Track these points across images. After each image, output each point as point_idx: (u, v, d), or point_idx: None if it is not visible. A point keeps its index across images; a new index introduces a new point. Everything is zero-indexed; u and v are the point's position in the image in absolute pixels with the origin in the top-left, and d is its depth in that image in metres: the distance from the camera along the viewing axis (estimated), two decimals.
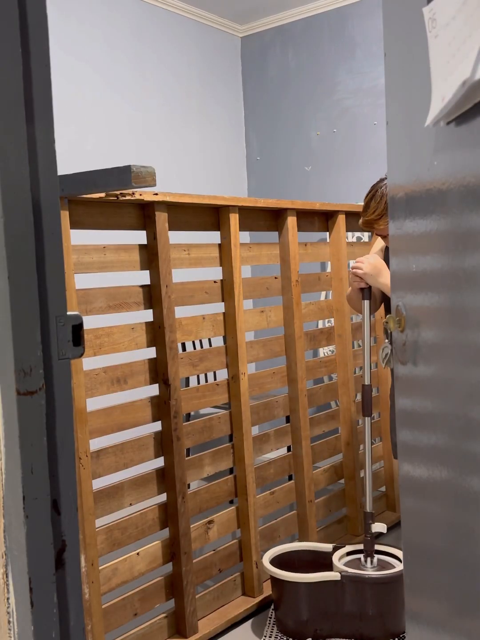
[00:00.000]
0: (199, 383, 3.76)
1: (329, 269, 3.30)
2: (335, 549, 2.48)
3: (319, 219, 2.92)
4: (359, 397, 3.37)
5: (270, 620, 2.43)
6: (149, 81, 3.95)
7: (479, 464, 0.87)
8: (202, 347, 3.77)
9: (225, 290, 2.45)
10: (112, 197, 1.95)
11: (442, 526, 1.06)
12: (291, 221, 2.67)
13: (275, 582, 2.33)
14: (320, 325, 3.90)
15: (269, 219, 2.67)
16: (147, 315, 2.23)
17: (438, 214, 0.97)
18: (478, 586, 0.90)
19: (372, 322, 3.25)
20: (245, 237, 4.41)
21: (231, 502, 2.70)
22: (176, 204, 2.23)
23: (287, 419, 2.80)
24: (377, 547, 2.50)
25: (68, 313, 0.82)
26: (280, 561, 2.47)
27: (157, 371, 2.21)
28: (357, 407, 3.08)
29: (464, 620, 0.97)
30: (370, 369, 2.39)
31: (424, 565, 1.17)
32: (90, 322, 2.37)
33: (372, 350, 3.25)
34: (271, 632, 2.35)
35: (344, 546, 2.49)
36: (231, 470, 2.62)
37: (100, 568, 2.01)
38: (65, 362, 0.82)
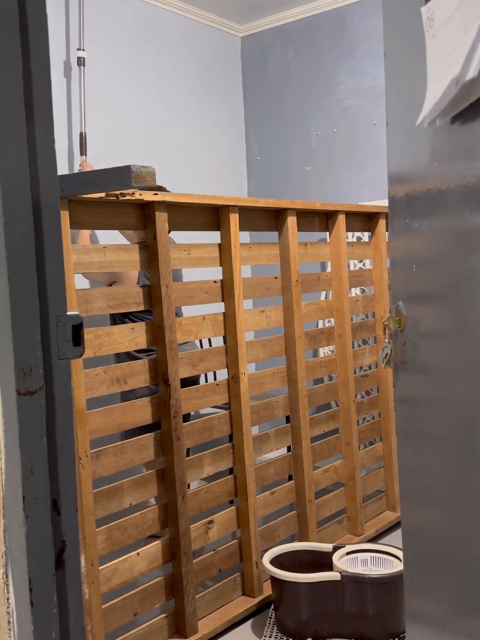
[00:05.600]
0: (199, 383, 3.76)
1: (329, 269, 3.30)
2: (335, 549, 2.48)
3: (319, 219, 2.92)
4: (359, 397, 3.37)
5: (270, 620, 2.43)
6: (149, 81, 3.95)
7: (479, 464, 0.87)
8: (201, 347, 3.77)
9: (225, 290, 2.45)
10: (112, 197, 1.95)
11: (442, 526, 1.06)
12: (291, 221, 2.67)
13: (275, 582, 2.33)
14: (320, 325, 3.90)
15: (269, 219, 2.67)
16: (147, 315, 2.23)
17: (438, 214, 0.97)
18: (478, 586, 0.90)
19: (371, 322, 3.25)
20: (245, 237, 4.41)
21: (231, 502, 2.70)
22: (176, 204, 2.23)
23: (287, 419, 2.80)
24: (377, 547, 2.51)
25: (68, 313, 0.82)
26: (281, 561, 2.47)
27: (157, 371, 2.21)
28: (357, 407, 3.08)
29: (464, 620, 0.97)
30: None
31: (424, 565, 1.17)
32: (90, 322, 2.37)
33: (372, 350, 3.25)
34: (271, 632, 2.35)
35: (344, 546, 2.49)
36: (231, 471, 2.62)
37: (100, 568, 2.01)
38: (65, 362, 0.82)
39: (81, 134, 3.46)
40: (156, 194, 2.10)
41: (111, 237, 2.85)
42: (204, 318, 2.38)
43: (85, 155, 3.46)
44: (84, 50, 3.44)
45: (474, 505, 0.89)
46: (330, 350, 3.82)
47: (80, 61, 3.43)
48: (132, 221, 2.14)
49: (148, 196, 2.07)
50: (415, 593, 1.22)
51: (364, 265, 3.86)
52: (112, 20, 3.71)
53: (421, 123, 0.95)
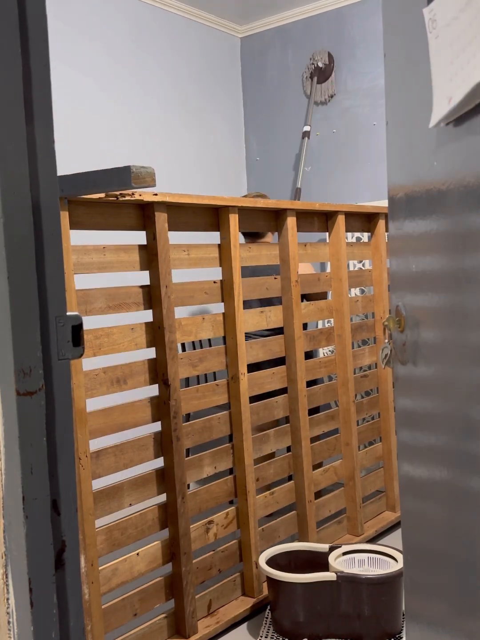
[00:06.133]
0: (198, 383, 3.76)
1: (328, 269, 3.30)
2: (331, 549, 2.48)
3: (319, 220, 2.92)
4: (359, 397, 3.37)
5: (266, 621, 2.42)
6: (149, 81, 3.95)
7: (479, 464, 0.87)
8: (201, 347, 3.77)
9: (225, 290, 2.45)
10: (112, 198, 1.95)
11: (442, 526, 1.06)
12: (291, 222, 2.67)
13: (272, 582, 2.33)
14: (320, 326, 3.90)
15: (268, 219, 2.67)
16: (147, 315, 2.23)
17: (438, 214, 0.97)
18: (478, 586, 0.90)
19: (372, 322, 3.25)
20: None
21: (231, 502, 2.70)
22: (176, 205, 2.23)
23: (287, 419, 2.80)
24: (374, 547, 2.50)
25: (68, 313, 0.82)
26: (277, 561, 2.47)
27: (157, 371, 2.21)
28: (357, 407, 3.08)
29: (464, 620, 0.97)
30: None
31: (424, 565, 1.17)
32: (90, 323, 2.37)
33: (372, 350, 3.25)
34: (267, 633, 2.35)
35: (340, 546, 2.49)
36: (231, 471, 2.62)
37: (100, 568, 2.01)
38: (64, 363, 0.82)
39: None
40: (156, 195, 2.10)
41: (111, 238, 2.85)
42: (203, 318, 2.38)
43: None
44: None
45: (474, 506, 0.89)
46: (329, 351, 3.81)
47: None
48: (132, 221, 2.14)
49: (148, 196, 2.07)
50: (415, 593, 1.22)
51: (363, 265, 3.86)
52: (110, 20, 3.71)
53: (431, 124, 0.95)
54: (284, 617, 2.32)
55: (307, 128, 4.17)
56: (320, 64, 4.22)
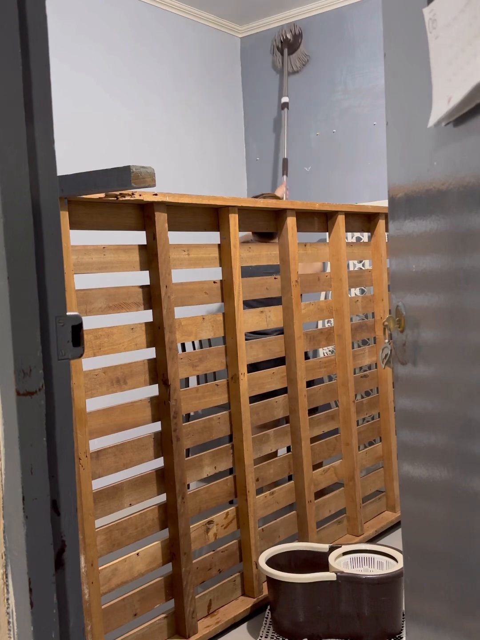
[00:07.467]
0: (198, 383, 3.76)
1: (328, 269, 3.30)
2: (331, 549, 2.48)
3: (319, 220, 2.92)
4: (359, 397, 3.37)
5: (266, 621, 2.42)
6: (149, 81, 3.95)
7: (479, 464, 0.87)
8: (201, 347, 3.77)
9: (225, 290, 2.45)
10: (112, 198, 1.95)
11: (442, 526, 1.06)
12: (291, 221, 2.67)
13: (271, 582, 2.33)
14: (320, 326, 3.90)
15: (268, 219, 2.67)
16: (147, 315, 2.23)
17: (438, 214, 0.97)
18: (478, 586, 0.90)
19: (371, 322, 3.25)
20: None
21: (231, 502, 2.70)
22: (176, 205, 2.23)
23: (286, 420, 2.80)
24: (374, 547, 2.50)
25: (68, 313, 0.82)
26: (277, 561, 2.47)
27: (157, 371, 2.21)
28: (357, 407, 3.08)
29: (464, 620, 0.97)
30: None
31: (424, 565, 1.17)
32: (90, 323, 2.38)
33: (372, 350, 3.25)
34: (267, 633, 2.35)
35: (340, 546, 2.49)
36: (231, 471, 2.61)
37: (100, 568, 2.01)
38: (64, 363, 0.81)
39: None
40: (156, 195, 2.10)
41: (111, 238, 2.85)
42: (203, 318, 2.38)
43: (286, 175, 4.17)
44: None
45: (474, 506, 0.89)
46: (330, 351, 3.81)
47: None
48: (132, 221, 2.14)
49: (148, 197, 2.07)
50: (415, 593, 1.22)
51: (363, 265, 3.86)
52: (110, 20, 3.71)
53: (429, 124, 0.95)
54: (284, 617, 2.32)
55: (285, 99, 4.37)
56: (288, 36, 4.38)
